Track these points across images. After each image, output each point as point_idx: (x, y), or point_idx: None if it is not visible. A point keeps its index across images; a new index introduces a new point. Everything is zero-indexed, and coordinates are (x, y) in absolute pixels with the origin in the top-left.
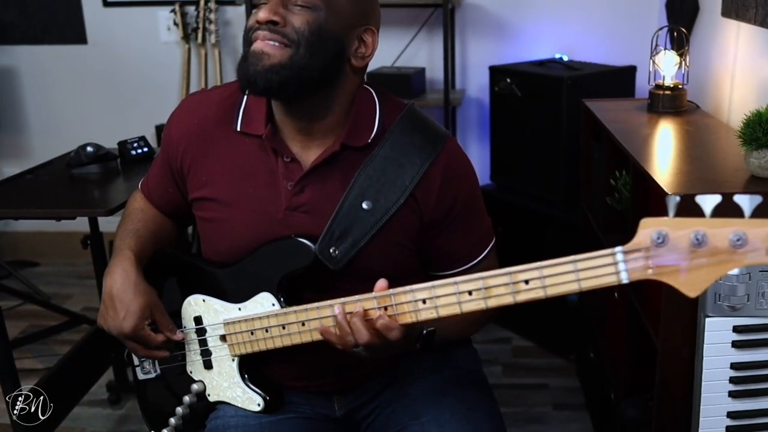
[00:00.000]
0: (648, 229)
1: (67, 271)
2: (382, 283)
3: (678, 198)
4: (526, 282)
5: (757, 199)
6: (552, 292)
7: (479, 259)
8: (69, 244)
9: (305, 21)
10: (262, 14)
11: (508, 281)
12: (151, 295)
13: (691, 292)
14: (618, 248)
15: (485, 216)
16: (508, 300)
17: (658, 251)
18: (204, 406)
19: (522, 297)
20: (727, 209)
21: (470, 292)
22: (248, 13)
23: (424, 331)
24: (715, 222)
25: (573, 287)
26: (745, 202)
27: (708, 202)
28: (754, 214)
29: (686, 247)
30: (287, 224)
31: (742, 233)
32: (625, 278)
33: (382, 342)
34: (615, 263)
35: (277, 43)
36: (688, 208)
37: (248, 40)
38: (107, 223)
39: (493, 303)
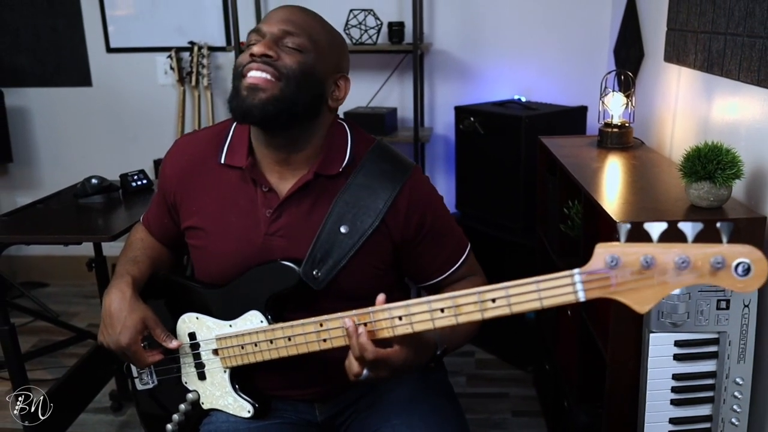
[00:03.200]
0: (602, 252)
1: (74, 291)
2: (381, 297)
3: (629, 225)
4: (493, 300)
5: (699, 226)
6: (517, 309)
7: (457, 265)
8: (75, 266)
9: (296, 61)
10: (257, 48)
11: (476, 300)
12: (145, 311)
13: (641, 309)
14: (576, 270)
15: (455, 227)
16: (476, 317)
17: (612, 273)
18: (198, 413)
19: (489, 314)
20: (672, 235)
21: (442, 310)
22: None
23: (438, 352)
24: (662, 246)
25: (535, 305)
26: (688, 228)
27: (655, 228)
28: (696, 239)
29: (636, 268)
30: (267, 248)
31: (686, 256)
32: (582, 297)
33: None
34: (573, 284)
35: (269, 76)
36: (638, 235)
37: (239, 74)
38: (110, 248)
39: (463, 319)
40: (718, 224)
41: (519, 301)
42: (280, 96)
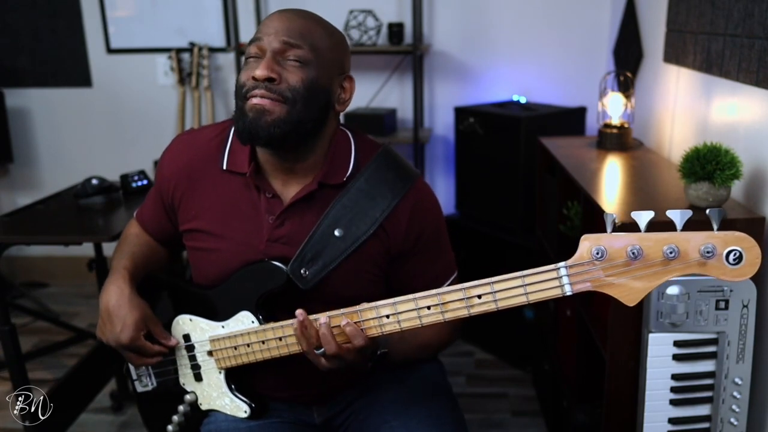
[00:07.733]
0: (588, 244)
1: (74, 292)
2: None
3: (615, 215)
4: (479, 297)
5: (688, 213)
6: (503, 305)
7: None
8: (76, 267)
9: (300, 78)
10: (259, 72)
11: (462, 296)
12: (144, 308)
13: (630, 302)
14: (561, 264)
15: (449, 250)
16: (462, 313)
17: (598, 265)
18: (197, 414)
19: (475, 310)
20: (661, 224)
21: (429, 307)
22: (238, 60)
23: (378, 352)
24: (649, 236)
25: (521, 300)
26: (677, 216)
27: (643, 217)
28: (685, 228)
29: (623, 260)
30: (268, 254)
31: (674, 246)
32: (568, 291)
33: (344, 352)
34: (559, 277)
35: (274, 100)
36: (627, 226)
37: (243, 95)
38: (110, 249)
39: (449, 316)
40: (708, 211)
41: (505, 297)
42: (287, 118)
